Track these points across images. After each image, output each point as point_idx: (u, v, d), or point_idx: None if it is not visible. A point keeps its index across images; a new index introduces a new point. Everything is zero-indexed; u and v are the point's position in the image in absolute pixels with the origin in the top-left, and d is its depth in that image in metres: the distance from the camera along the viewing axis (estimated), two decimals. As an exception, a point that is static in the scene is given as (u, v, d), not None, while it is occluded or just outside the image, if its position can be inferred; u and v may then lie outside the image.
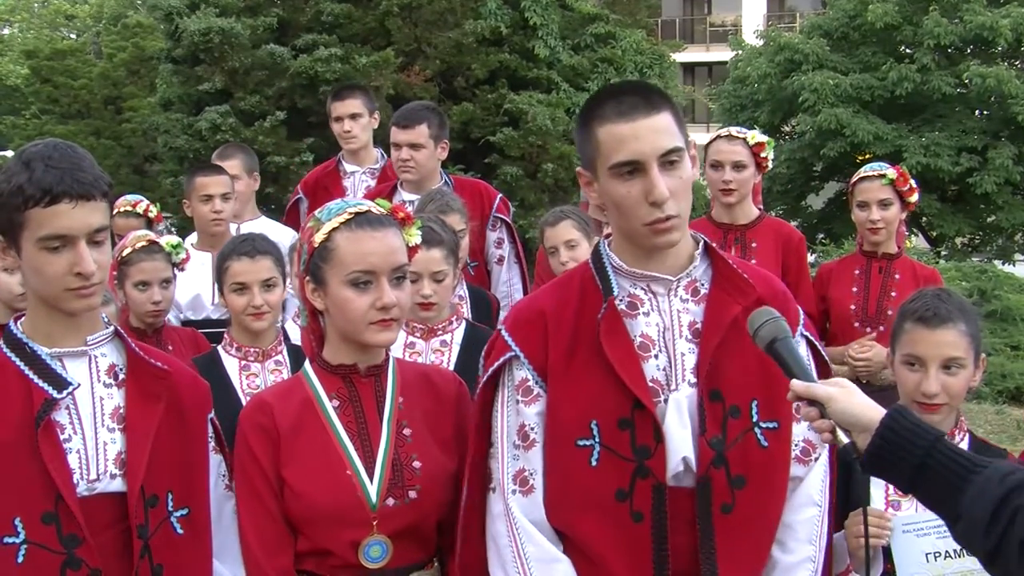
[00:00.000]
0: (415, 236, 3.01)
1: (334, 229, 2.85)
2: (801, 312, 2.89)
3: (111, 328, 2.77)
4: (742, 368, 2.72)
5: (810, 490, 2.82)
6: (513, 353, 2.82)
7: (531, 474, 2.80)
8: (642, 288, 2.78)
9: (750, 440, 2.72)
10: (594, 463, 2.71)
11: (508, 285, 5.92)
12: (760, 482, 2.72)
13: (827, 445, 2.80)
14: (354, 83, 8.12)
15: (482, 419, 2.90)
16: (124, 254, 4.73)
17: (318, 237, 2.86)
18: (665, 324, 2.76)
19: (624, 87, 2.74)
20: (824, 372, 2.89)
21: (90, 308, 2.66)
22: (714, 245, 2.83)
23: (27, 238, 2.56)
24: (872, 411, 2.29)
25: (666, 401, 2.71)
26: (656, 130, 2.63)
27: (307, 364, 3.02)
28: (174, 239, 4.90)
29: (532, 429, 2.80)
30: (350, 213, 2.86)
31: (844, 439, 2.31)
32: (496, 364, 2.85)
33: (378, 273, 2.83)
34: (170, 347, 4.70)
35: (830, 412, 2.33)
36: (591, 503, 2.72)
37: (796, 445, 2.81)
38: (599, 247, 2.86)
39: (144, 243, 4.77)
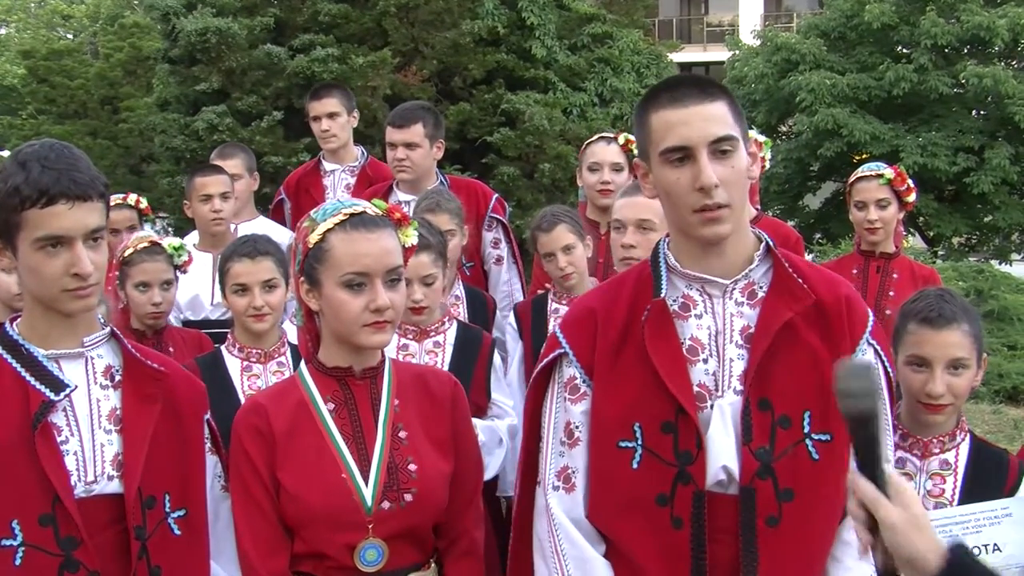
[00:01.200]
0: (412, 237, 3.00)
1: (329, 230, 2.85)
2: (871, 317, 2.78)
3: (107, 329, 2.78)
4: (795, 377, 2.65)
5: None
6: (563, 350, 2.81)
7: (574, 472, 2.79)
8: (697, 289, 2.73)
9: (801, 452, 2.64)
10: (635, 465, 2.68)
11: (508, 285, 5.94)
12: (810, 496, 2.64)
13: (891, 459, 2.77)
14: (331, 82, 8.11)
15: (532, 414, 2.91)
16: (126, 254, 4.74)
17: (313, 238, 2.86)
18: (717, 328, 2.71)
19: (682, 78, 2.71)
20: (889, 387, 2.80)
21: (87, 309, 2.66)
22: (773, 246, 2.76)
23: (24, 239, 2.57)
24: (932, 554, 1.99)
25: (712, 407, 2.66)
26: (707, 117, 2.60)
27: (303, 365, 3.03)
28: (176, 241, 4.92)
29: (577, 427, 2.79)
30: (345, 214, 2.86)
31: (883, 564, 2.07)
32: (545, 360, 2.85)
33: (372, 275, 2.83)
34: (171, 348, 4.71)
35: (887, 540, 2.02)
36: (631, 506, 2.70)
37: None
38: (658, 246, 2.82)
39: (146, 244, 4.79)
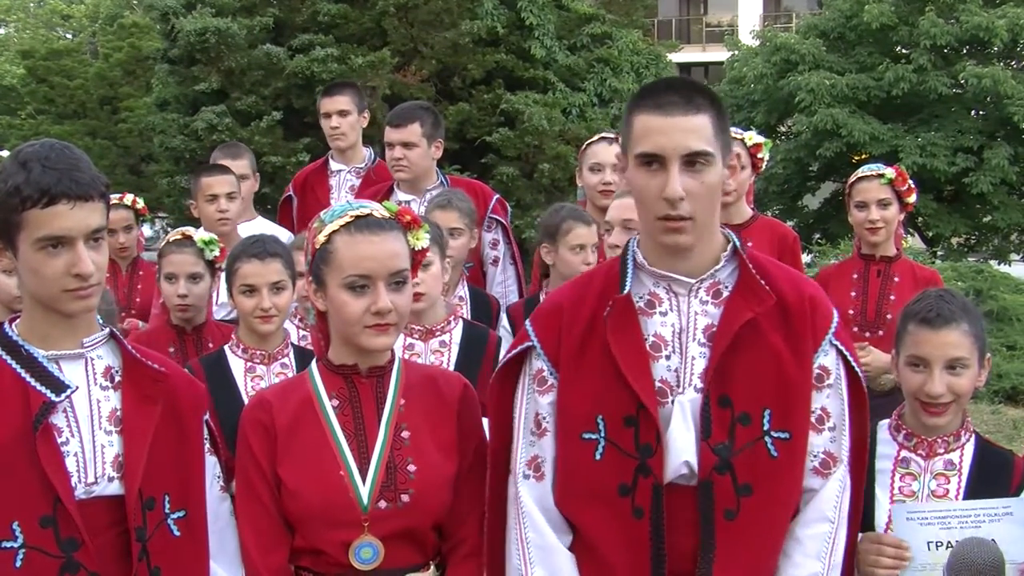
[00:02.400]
0: (423, 240, 3.00)
1: (334, 232, 2.86)
2: (835, 317, 2.84)
3: (107, 330, 2.76)
4: (755, 375, 2.71)
5: (823, 505, 2.78)
6: (531, 343, 2.86)
7: (543, 461, 2.85)
8: (663, 287, 2.78)
9: (760, 449, 2.70)
10: (598, 457, 2.74)
11: (503, 287, 5.91)
12: (768, 491, 2.70)
13: (846, 460, 2.81)
14: (345, 80, 8.06)
15: (499, 407, 2.95)
16: (161, 247, 4.79)
17: (320, 239, 2.87)
18: (681, 325, 2.76)
19: (674, 82, 2.73)
20: (856, 387, 2.86)
21: (88, 309, 2.65)
22: (740, 247, 2.81)
23: (24, 239, 2.54)
24: None
25: (673, 403, 2.71)
26: (687, 129, 2.63)
27: (313, 363, 3.04)
28: (207, 235, 4.89)
29: (545, 419, 2.84)
30: (351, 216, 2.86)
31: None
32: (513, 352, 2.91)
33: (374, 277, 2.82)
34: (211, 344, 4.72)
35: None
36: (595, 495, 2.76)
37: (815, 456, 2.79)
38: (629, 243, 2.87)
39: (178, 236, 4.82)
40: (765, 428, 2.70)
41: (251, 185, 6.40)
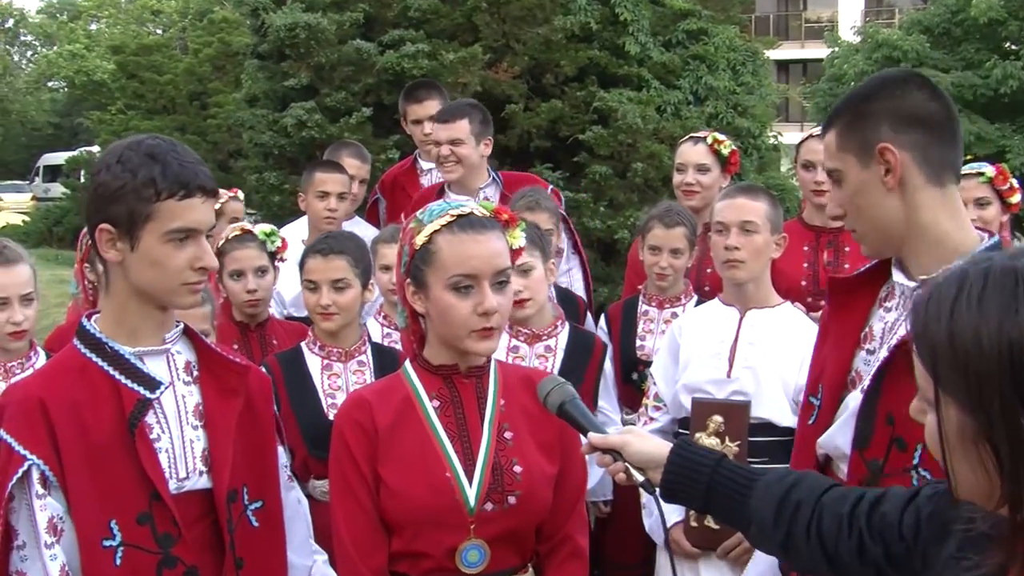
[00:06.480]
0: (519, 239, 2.97)
1: (436, 231, 2.81)
2: None
3: (181, 325, 2.79)
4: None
5: None
6: None
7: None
8: (903, 284, 2.70)
9: (907, 482, 2.52)
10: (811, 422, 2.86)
11: (568, 276, 5.87)
12: None
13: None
14: (429, 81, 7.84)
15: None
16: (220, 245, 4.78)
17: (419, 239, 2.83)
18: (890, 324, 2.70)
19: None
20: None
21: (198, 303, 2.79)
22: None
23: (152, 230, 2.57)
24: (663, 448, 2.44)
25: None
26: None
27: (407, 363, 3.01)
28: (268, 227, 4.94)
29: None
30: (452, 215, 2.83)
31: (638, 477, 2.45)
32: None
33: (480, 277, 2.79)
34: (275, 340, 4.78)
35: (627, 456, 2.46)
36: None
37: None
38: None
39: (238, 232, 4.86)
40: (915, 462, 2.57)
41: (362, 189, 6.48)
